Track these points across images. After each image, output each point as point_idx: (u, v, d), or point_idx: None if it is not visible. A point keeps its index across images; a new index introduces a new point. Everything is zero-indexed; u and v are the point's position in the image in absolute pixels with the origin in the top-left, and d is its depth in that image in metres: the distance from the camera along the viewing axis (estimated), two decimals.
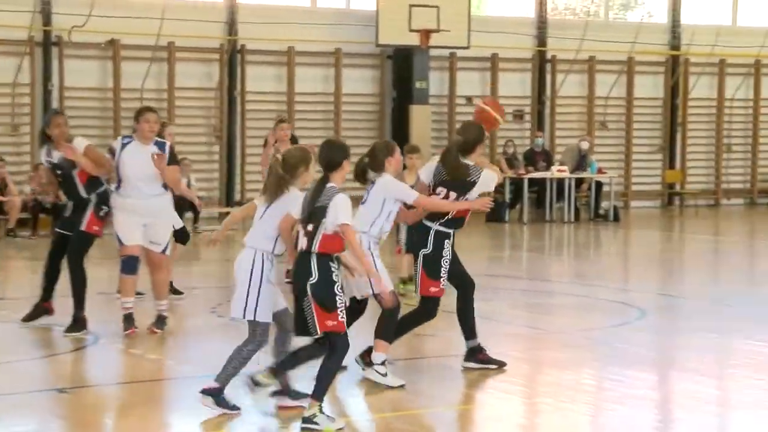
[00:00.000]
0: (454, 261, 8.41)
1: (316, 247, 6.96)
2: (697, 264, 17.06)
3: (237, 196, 22.32)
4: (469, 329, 8.58)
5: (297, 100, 22.76)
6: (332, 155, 7.18)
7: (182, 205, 16.07)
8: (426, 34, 22.55)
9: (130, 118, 21.25)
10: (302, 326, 7.05)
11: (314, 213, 7.00)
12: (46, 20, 20.87)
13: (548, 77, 25.14)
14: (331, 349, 7.01)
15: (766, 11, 25.77)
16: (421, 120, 22.95)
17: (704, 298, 12.80)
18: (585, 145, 22.87)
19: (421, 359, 9.16)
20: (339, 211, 6.94)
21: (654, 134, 26.24)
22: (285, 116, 17.00)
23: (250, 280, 7.25)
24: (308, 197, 7.10)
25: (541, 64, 25.04)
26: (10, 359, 9.16)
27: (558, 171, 22.26)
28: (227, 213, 21.82)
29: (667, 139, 26.21)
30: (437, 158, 8.53)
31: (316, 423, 6.82)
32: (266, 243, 7.31)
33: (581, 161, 22.70)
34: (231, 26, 22.31)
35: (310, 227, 7.01)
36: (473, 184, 8.33)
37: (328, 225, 6.96)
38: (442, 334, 9.57)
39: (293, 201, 7.22)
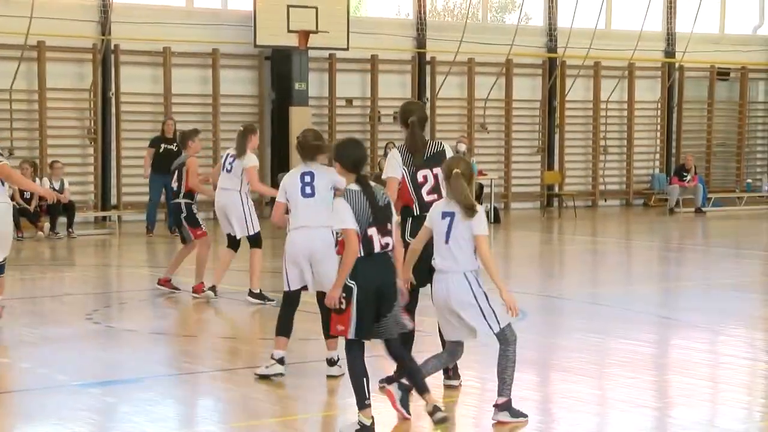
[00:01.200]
0: None
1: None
2: (576, 265, 17.37)
3: (113, 200, 21.98)
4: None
5: (174, 101, 22.51)
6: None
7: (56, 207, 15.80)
8: (304, 35, 22.54)
9: (0, 119, 20.99)
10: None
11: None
12: None
13: (428, 79, 25.33)
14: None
15: (638, 15, 26.37)
16: (302, 121, 22.78)
17: (583, 299, 13.06)
18: (462, 147, 23.03)
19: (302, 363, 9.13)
20: None
21: (533, 136, 26.65)
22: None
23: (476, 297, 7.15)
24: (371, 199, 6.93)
25: (421, 66, 25.22)
26: None
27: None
28: (104, 217, 21.57)
29: (546, 141, 26.63)
30: (394, 150, 8.16)
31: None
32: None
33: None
34: (104, 25, 21.97)
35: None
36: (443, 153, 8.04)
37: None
38: None
39: None
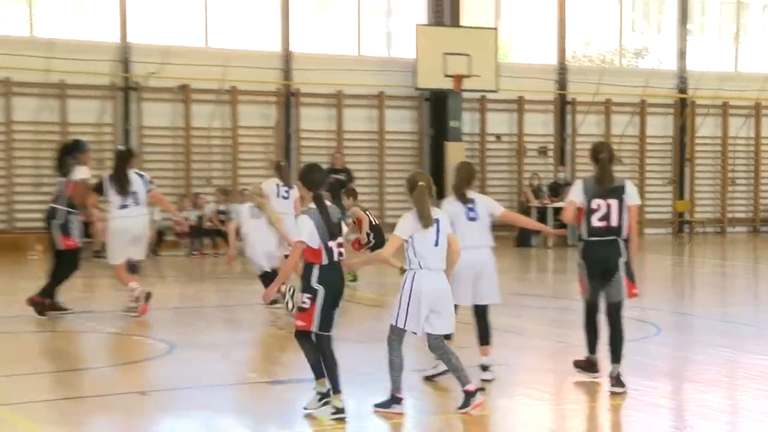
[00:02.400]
0: None
1: None
2: (707, 285, 16.89)
3: None
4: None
5: (345, 138, 22.85)
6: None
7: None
8: (459, 79, 22.59)
9: (201, 153, 21.66)
10: None
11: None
12: (126, 68, 21.11)
13: (569, 117, 25.08)
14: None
15: (764, 58, 25.62)
16: (456, 155, 22.80)
17: (715, 317, 12.67)
18: None
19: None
20: None
21: (665, 168, 26.08)
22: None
23: None
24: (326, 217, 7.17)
25: (562, 106, 24.99)
26: (98, 365, 9.24)
27: None
28: None
29: (677, 173, 26.04)
30: (579, 180, 8.42)
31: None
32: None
33: None
34: (287, 73, 22.44)
35: None
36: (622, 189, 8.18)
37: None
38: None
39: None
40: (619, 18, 25.95)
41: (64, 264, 11.62)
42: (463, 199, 8.30)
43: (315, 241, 7.06)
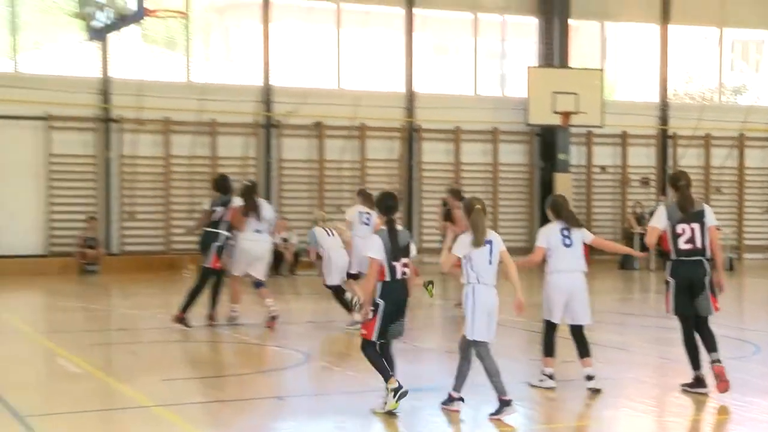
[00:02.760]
0: None
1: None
2: None
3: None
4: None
5: (462, 169, 22.82)
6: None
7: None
8: (567, 115, 22.34)
9: (332, 183, 21.91)
10: None
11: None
12: (268, 107, 21.57)
13: (670, 150, 24.51)
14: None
15: None
16: (564, 186, 22.70)
17: None
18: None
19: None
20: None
21: (762, 198, 25.22)
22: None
23: None
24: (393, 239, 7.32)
25: (664, 140, 24.46)
26: (241, 372, 9.40)
27: None
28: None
29: None
30: (662, 206, 8.45)
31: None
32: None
33: None
34: (410, 111, 22.56)
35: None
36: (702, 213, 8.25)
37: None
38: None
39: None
40: (718, 57, 25.30)
41: (208, 281, 11.92)
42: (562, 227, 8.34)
43: (381, 259, 7.23)
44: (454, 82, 24.00)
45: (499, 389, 7.29)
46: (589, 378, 8.30)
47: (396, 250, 7.28)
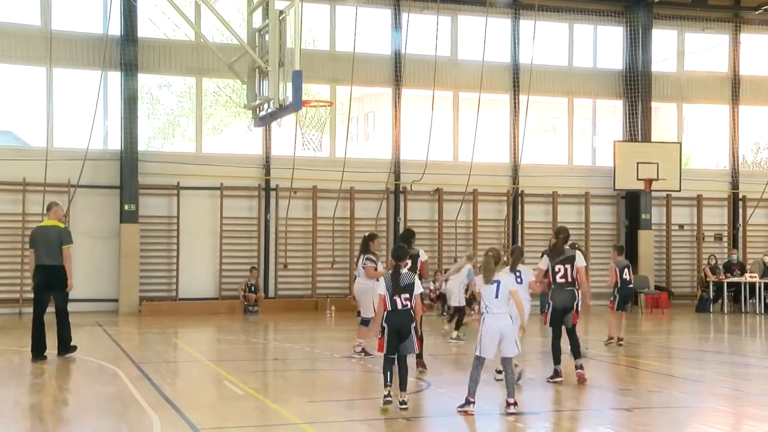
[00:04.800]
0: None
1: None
2: None
3: None
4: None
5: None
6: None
7: None
8: (649, 182, 21.74)
9: (450, 239, 21.78)
10: None
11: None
12: (397, 177, 21.73)
13: (740, 210, 23.47)
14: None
15: None
16: (646, 241, 22.11)
17: None
18: (767, 259, 21.15)
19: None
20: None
21: None
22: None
23: None
24: (395, 279, 8.16)
25: (734, 202, 23.46)
26: (372, 396, 9.30)
27: (749, 277, 20.69)
28: None
29: None
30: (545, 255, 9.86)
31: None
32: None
33: (766, 270, 20.92)
34: (515, 179, 22.34)
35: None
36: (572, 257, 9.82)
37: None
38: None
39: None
40: None
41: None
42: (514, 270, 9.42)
43: (385, 294, 8.05)
44: (552, 154, 23.70)
45: (471, 391, 8.00)
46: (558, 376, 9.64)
47: (395, 287, 8.05)
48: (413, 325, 8.14)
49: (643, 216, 22.21)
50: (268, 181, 20.93)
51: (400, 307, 8.06)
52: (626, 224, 22.67)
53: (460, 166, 21.83)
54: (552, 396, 9.14)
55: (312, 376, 10.66)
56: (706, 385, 9.90)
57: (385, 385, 8.05)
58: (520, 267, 9.52)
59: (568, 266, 9.71)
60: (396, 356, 8.08)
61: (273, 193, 20.98)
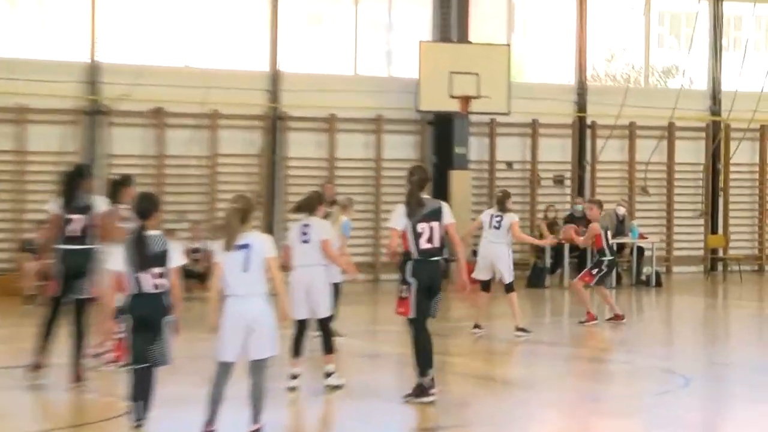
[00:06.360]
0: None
1: None
2: (742, 331, 16.83)
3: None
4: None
5: (338, 166, 22.84)
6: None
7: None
8: (466, 100, 22.55)
9: (175, 184, 21.67)
10: None
11: None
12: (94, 90, 21.16)
13: (588, 143, 25.09)
14: None
15: None
16: (461, 185, 22.89)
17: (749, 367, 12.60)
18: (621, 211, 22.71)
19: None
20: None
21: (695, 199, 26.07)
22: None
23: None
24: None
25: (581, 130, 25.03)
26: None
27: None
28: None
29: (709, 204, 26.00)
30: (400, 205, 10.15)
31: None
32: None
33: (620, 226, 22.46)
34: (274, 94, 22.48)
35: None
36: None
37: None
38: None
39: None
40: (645, 33, 26.05)
41: None
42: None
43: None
44: (328, 59, 24.02)
45: (210, 415, 8.14)
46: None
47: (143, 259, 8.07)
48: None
49: (457, 150, 23.01)
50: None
51: (148, 290, 8.11)
52: (434, 161, 23.42)
53: (193, 74, 21.57)
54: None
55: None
56: (538, 391, 10.70)
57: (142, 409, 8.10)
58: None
59: (434, 224, 9.79)
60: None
61: None
